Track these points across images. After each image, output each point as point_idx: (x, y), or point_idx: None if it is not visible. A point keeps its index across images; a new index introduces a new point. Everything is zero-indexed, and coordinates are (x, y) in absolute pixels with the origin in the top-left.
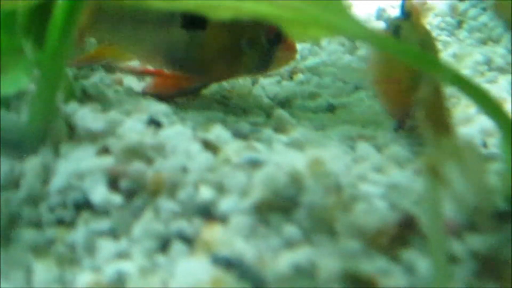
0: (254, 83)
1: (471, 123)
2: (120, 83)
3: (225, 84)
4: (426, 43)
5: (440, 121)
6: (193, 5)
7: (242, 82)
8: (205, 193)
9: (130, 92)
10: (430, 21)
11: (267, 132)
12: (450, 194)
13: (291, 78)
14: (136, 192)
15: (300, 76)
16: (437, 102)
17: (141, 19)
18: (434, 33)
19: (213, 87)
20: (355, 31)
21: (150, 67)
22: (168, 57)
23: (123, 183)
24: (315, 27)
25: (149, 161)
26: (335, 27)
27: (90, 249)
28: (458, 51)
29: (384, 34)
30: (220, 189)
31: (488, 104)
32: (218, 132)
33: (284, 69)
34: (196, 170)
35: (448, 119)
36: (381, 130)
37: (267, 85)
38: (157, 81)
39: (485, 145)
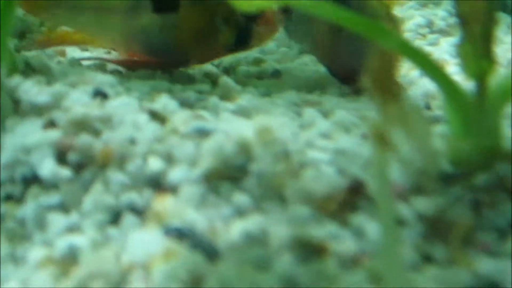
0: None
1: (414, 86)
2: (62, 54)
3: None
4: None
5: (387, 86)
6: None
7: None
8: (154, 164)
9: (74, 63)
10: None
11: (213, 100)
12: (396, 158)
13: None
14: (84, 165)
15: None
16: (385, 67)
17: (105, 8)
18: None
19: None
20: (299, 2)
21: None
22: (143, 44)
23: (71, 156)
24: None
25: (96, 133)
26: None
27: (41, 224)
28: (399, 14)
29: (327, 3)
30: (169, 159)
31: (430, 67)
32: (164, 102)
33: None
34: (144, 141)
35: (395, 84)
36: (327, 95)
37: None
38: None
39: (428, 107)
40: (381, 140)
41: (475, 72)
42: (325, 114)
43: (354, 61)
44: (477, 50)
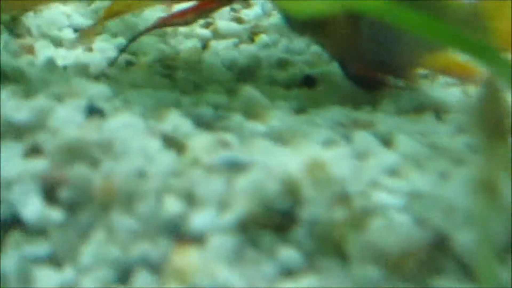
0: (204, 46)
1: None
2: (30, 51)
3: (166, 49)
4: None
5: (495, 124)
6: None
7: (189, 45)
8: (172, 205)
9: (51, 66)
10: None
11: (237, 118)
12: (502, 210)
13: (251, 40)
14: (80, 205)
15: (263, 38)
16: (493, 101)
17: None
18: None
19: (152, 54)
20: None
21: None
22: None
23: (63, 193)
24: None
25: (94, 163)
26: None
27: (25, 280)
28: None
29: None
30: (191, 200)
31: None
32: (175, 121)
33: (242, 28)
34: (158, 174)
35: (504, 121)
36: (379, 112)
37: (222, 49)
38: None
39: None
40: (488, 192)
41: None
42: (384, 140)
43: (380, 55)
44: None
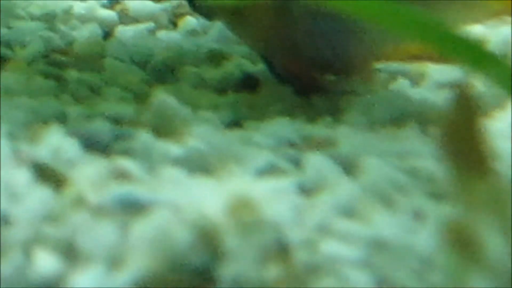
0: (107, 34)
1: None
2: None
3: (54, 37)
4: None
5: (472, 154)
6: None
7: (86, 32)
8: (45, 262)
9: None
10: None
11: (143, 137)
12: (484, 263)
13: (174, 24)
14: None
15: (190, 21)
16: (468, 126)
17: None
18: None
19: (34, 46)
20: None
21: None
22: None
23: None
24: None
25: None
26: None
27: None
28: None
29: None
30: (72, 254)
31: None
32: (56, 143)
33: (161, 8)
34: (26, 219)
35: (483, 149)
36: (343, 125)
37: (130, 38)
38: None
39: None
40: (460, 241)
41: None
42: (346, 165)
43: (319, 50)
44: None
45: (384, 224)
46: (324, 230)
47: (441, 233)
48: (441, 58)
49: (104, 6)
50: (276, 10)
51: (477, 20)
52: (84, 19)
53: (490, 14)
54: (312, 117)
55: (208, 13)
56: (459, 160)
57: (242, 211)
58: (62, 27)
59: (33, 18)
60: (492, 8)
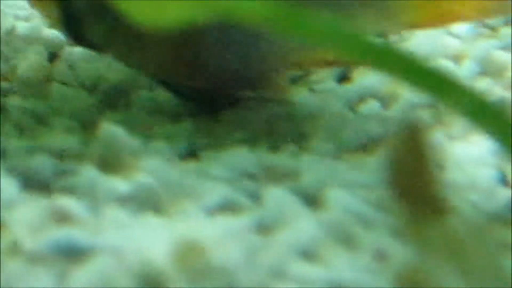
0: (53, 56)
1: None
2: None
3: None
4: None
5: (423, 194)
6: None
7: (31, 55)
8: None
9: None
10: None
11: (88, 172)
12: None
13: None
14: None
15: None
16: (417, 160)
17: None
18: None
19: None
20: (247, 9)
21: None
22: None
23: None
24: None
25: None
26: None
27: None
28: None
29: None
30: None
31: None
32: None
33: None
34: None
35: (436, 187)
36: (307, 153)
37: (79, 60)
38: None
39: (504, 180)
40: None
41: None
42: (308, 200)
43: (228, 64)
44: None
45: (344, 265)
46: (279, 273)
47: (399, 278)
48: (352, 63)
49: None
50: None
51: (389, 31)
52: (29, 40)
53: (405, 25)
54: (276, 145)
55: (97, 45)
56: (412, 202)
57: (191, 256)
58: (4, 50)
59: None
60: (407, 20)
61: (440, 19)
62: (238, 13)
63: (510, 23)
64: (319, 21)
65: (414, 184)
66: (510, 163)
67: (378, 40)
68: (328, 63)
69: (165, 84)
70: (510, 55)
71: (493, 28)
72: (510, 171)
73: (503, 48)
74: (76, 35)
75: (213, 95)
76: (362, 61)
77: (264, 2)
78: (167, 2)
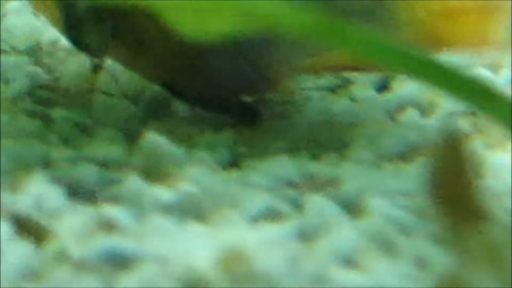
0: (97, 67)
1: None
2: None
3: (40, 72)
4: None
5: (463, 205)
6: None
7: (74, 66)
8: None
9: None
10: None
11: (133, 181)
12: None
13: None
14: None
15: None
16: (457, 173)
17: None
18: None
19: (19, 82)
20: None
21: None
22: None
23: None
24: (222, 14)
25: None
26: (257, 14)
27: None
28: None
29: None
30: None
31: None
32: (38, 192)
33: None
34: (6, 276)
35: (475, 199)
36: (348, 162)
37: (122, 69)
38: None
39: None
40: None
41: None
42: (349, 208)
43: (236, 70)
44: None
45: (384, 272)
46: (321, 280)
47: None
48: (366, 67)
49: None
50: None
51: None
52: (72, 51)
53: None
54: (317, 153)
55: (97, 50)
56: (452, 212)
57: (234, 263)
58: (48, 61)
59: (17, 51)
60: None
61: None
62: (283, 24)
63: None
64: (360, 32)
65: (453, 192)
66: None
67: (417, 51)
68: (334, 67)
69: (169, 88)
70: None
71: None
72: None
73: None
74: (76, 39)
75: (218, 99)
76: (386, 67)
77: (306, 13)
78: (212, 15)
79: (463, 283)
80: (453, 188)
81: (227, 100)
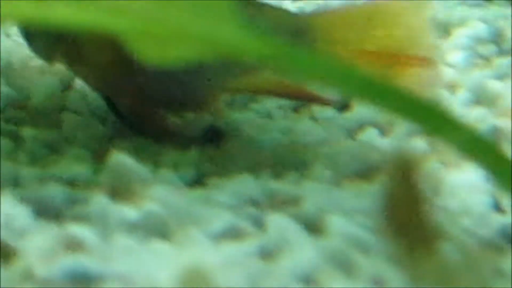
0: (66, 86)
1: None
2: None
3: (11, 92)
4: None
5: (417, 228)
6: None
7: (45, 86)
8: None
9: None
10: None
11: (98, 200)
12: None
13: None
14: None
15: None
16: (410, 196)
17: None
18: None
19: None
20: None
21: None
22: None
23: None
24: (180, 42)
25: None
26: (217, 42)
27: None
28: (442, 15)
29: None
30: None
31: None
32: (6, 211)
33: None
34: None
35: (429, 221)
36: (309, 180)
37: (90, 90)
38: None
39: (497, 206)
40: None
41: None
42: (309, 227)
43: (164, 88)
44: None
45: None
46: None
47: None
48: (294, 92)
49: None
50: (113, 49)
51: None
52: (43, 70)
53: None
54: (279, 172)
55: (47, 54)
56: (405, 229)
57: (196, 281)
58: (19, 80)
59: None
60: None
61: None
62: (240, 52)
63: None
64: (315, 58)
65: (406, 213)
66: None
67: (371, 75)
68: (260, 90)
69: (106, 99)
70: (503, 84)
71: (487, 59)
72: (503, 197)
73: (497, 77)
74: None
75: (151, 119)
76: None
77: (264, 40)
78: (173, 42)
79: None
80: (405, 209)
81: (154, 119)
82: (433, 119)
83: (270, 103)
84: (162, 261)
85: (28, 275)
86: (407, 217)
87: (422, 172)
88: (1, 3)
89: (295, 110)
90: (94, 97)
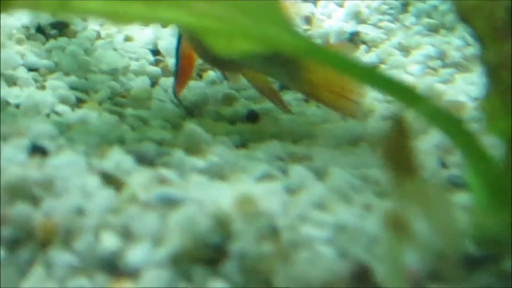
0: (154, 83)
1: (426, 136)
2: None
3: (116, 86)
4: None
5: (404, 159)
6: None
7: (139, 82)
8: (109, 241)
9: (3, 105)
10: (369, 4)
11: (178, 154)
12: (413, 241)
13: (199, 76)
14: (21, 242)
15: (211, 74)
16: (401, 137)
17: None
18: (374, 18)
19: (103, 92)
20: (292, 44)
21: None
22: None
23: (4, 231)
24: (244, 39)
25: (35, 201)
26: (269, 39)
27: None
28: (404, 41)
29: (327, 47)
30: (127, 235)
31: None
32: (117, 158)
33: None
34: (96, 212)
35: (413, 156)
36: (317, 146)
37: (169, 86)
38: None
39: (443, 165)
40: (396, 225)
41: (503, 130)
42: (318, 174)
43: None
44: (506, 103)
45: (344, 213)
46: (302, 218)
47: (384, 219)
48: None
49: (151, 63)
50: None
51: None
52: (138, 73)
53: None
54: (295, 140)
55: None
56: (396, 168)
57: (246, 205)
58: (122, 79)
59: (102, 72)
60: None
61: None
62: (284, 47)
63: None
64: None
65: (397, 153)
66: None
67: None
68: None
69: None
70: (446, 86)
71: (435, 69)
72: (448, 158)
73: (442, 82)
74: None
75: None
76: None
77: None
78: (237, 39)
79: (402, 217)
80: (397, 150)
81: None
82: (407, 95)
83: (288, 96)
84: (223, 192)
85: (133, 199)
86: (398, 155)
87: (411, 128)
88: (119, 4)
89: (305, 101)
90: (171, 91)
